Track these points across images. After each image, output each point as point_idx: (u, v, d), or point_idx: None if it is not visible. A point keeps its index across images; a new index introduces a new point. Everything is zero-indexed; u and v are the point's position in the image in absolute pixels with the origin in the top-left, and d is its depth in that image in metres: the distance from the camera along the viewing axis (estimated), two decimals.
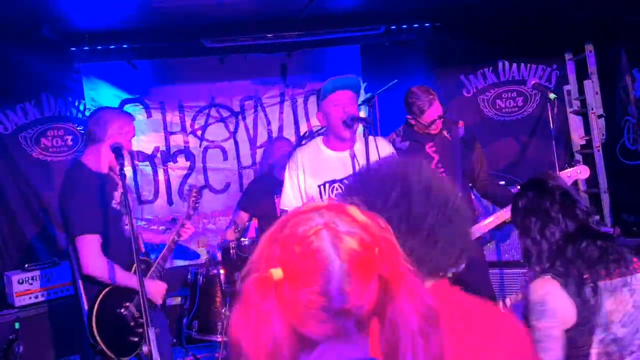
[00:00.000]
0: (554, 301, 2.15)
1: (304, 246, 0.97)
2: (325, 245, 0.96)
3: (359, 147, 3.32)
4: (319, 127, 5.20)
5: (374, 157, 3.17)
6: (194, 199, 4.01)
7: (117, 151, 3.21)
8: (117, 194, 3.44)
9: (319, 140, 3.53)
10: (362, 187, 1.38)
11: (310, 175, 3.40)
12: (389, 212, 1.27)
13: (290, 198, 3.46)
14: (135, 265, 3.42)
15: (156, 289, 3.50)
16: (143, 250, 3.72)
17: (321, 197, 3.35)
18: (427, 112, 3.79)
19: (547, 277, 2.21)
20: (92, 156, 3.41)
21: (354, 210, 1.03)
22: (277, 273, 0.96)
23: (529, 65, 5.84)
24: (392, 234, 1.05)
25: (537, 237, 2.32)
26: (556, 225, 2.31)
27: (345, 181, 3.33)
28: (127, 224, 3.45)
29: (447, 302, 1.31)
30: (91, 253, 3.24)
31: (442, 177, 1.41)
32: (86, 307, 3.30)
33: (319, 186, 3.37)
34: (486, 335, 1.31)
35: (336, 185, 3.35)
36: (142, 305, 2.88)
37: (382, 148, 3.32)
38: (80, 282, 3.35)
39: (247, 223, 5.06)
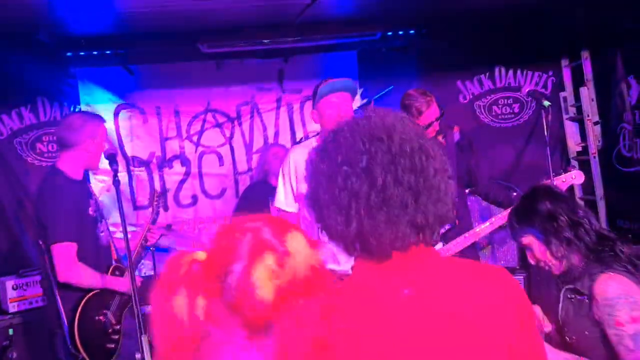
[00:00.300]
0: (635, 291, 2.15)
1: (229, 240, 1.07)
2: (243, 245, 1.05)
3: None
4: (315, 134, 5.20)
5: None
6: (156, 203, 4.03)
7: (112, 157, 3.21)
8: (93, 201, 3.45)
9: (313, 141, 3.56)
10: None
11: (304, 175, 3.40)
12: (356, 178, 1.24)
13: (282, 198, 3.50)
14: (111, 269, 3.44)
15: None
16: (115, 257, 3.72)
17: None
18: (425, 113, 3.79)
19: (611, 273, 2.20)
20: (67, 162, 3.41)
21: (296, 235, 1.10)
22: (199, 254, 1.06)
23: (525, 71, 5.85)
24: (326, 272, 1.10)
25: (571, 238, 2.33)
26: (589, 225, 2.34)
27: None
28: (102, 231, 3.47)
29: (437, 268, 1.30)
30: (66, 261, 3.23)
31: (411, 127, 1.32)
32: (64, 317, 3.28)
33: None
34: (481, 292, 1.28)
35: None
36: (135, 314, 2.89)
37: None
38: (56, 291, 3.32)
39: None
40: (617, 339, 2.14)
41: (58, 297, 3.30)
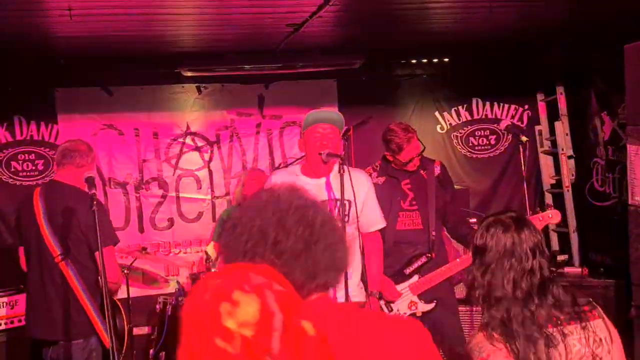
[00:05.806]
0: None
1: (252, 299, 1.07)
2: (269, 302, 1.07)
3: (334, 175, 3.35)
4: (294, 160, 5.21)
5: (348, 190, 3.19)
6: None
7: (90, 181, 3.17)
8: None
9: (297, 167, 3.57)
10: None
11: None
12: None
13: None
14: None
15: None
16: None
17: None
18: (405, 150, 3.82)
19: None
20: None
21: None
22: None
23: (502, 104, 5.95)
24: None
25: None
26: None
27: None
28: None
29: (333, 315, 1.37)
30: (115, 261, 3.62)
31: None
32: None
33: None
34: (380, 341, 1.34)
35: None
36: (109, 332, 2.88)
37: (357, 178, 3.35)
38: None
39: (219, 254, 5.01)
40: None
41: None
